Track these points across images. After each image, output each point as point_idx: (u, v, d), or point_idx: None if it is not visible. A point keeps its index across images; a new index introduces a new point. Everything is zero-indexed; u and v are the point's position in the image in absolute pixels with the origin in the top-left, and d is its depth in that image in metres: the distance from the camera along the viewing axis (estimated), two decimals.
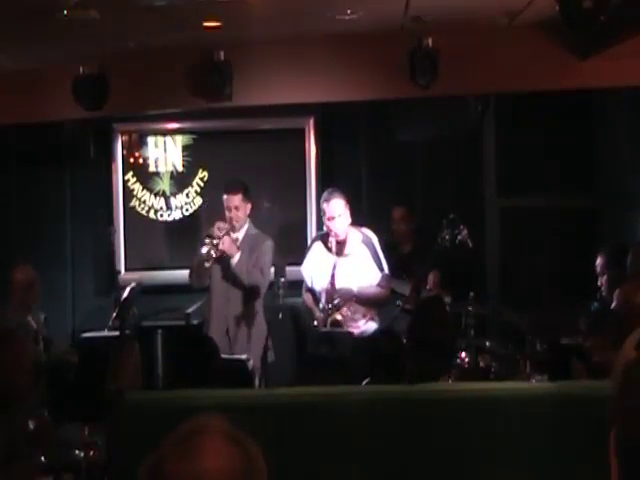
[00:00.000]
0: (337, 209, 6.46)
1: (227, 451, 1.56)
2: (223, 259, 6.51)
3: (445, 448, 3.89)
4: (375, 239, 6.60)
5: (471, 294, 6.30)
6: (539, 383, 5.17)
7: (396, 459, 3.87)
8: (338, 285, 6.38)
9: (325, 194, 6.62)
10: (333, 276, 6.37)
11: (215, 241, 6.40)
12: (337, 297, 6.33)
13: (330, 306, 6.33)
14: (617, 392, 1.58)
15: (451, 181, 8.23)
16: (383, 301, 6.58)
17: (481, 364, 5.81)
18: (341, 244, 6.48)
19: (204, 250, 6.42)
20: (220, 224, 6.50)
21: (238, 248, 6.50)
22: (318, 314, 6.44)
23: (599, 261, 6.15)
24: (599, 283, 6.14)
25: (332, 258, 6.43)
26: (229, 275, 6.52)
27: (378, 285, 6.52)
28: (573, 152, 8.15)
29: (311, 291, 6.61)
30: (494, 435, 3.89)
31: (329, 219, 6.48)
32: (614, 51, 6.16)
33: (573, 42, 6.32)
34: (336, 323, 6.32)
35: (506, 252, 8.24)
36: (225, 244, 6.43)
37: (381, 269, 6.53)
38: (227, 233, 6.47)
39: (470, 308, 6.24)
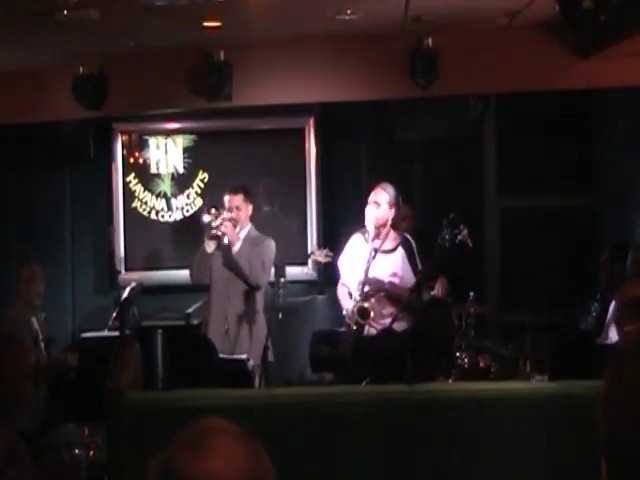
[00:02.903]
0: (377, 197, 6.32)
1: (239, 451, 1.56)
2: (224, 246, 6.52)
3: (445, 448, 3.90)
4: (414, 244, 6.52)
5: (471, 294, 6.30)
6: (539, 383, 5.17)
7: (396, 459, 3.87)
8: (371, 276, 6.31)
9: (379, 184, 6.53)
10: (368, 266, 6.29)
11: (220, 215, 6.44)
12: (368, 286, 6.27)
13: (360, 294, 6.25)
14: (605, 388, 1.57)
15: (451, 181, 8.23)
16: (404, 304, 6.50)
17: (481, 364, 5.81)
18: (381, 240, 6.41)
19: (206, 219, 6.49)
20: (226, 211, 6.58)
21: (239, 237, 6.52)
22: (347, 306, 6.35)
23: (603, 257, 6.15)
24: (600, 278, 6.15)
25: (370, 251, 6.36)
26: (230, 262, 6.51)
27: (410, 289, 6.42)
28: (573, 152, 8.15)
29: (346, 285, 6.55)
30: (494, 435, 3.89)
31: (368, 203, 6.36)
32: (614, 51, 6.16)
33: (573, 42, 6.32)
34: (363, 310, 6.22)
35: (506, 252, 8.25)
36: (227, 228, 6.45)
37: (416, 274, 6.45)
38: (230, 220, 6.49)
39: (470, 308, 6.24)
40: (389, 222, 6.38)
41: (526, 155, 8.13)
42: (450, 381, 4.84)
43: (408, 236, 6.53)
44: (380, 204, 6.32)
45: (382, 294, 6.31)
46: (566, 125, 8.13)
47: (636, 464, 1.47)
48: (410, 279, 6.38)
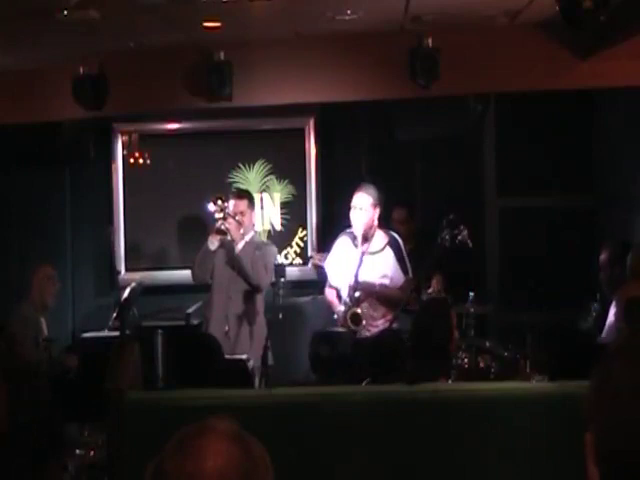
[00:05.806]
0: (360, 202, 6.35)
1: (228, 451, 1.57)
2: (228, 243, 6.52)
3: (445, 448, 3.89)
4: (401, 243, 6.52)
5: (471, 294, 6.30)
6: (539, 383, 5.17)
7: (396, 459, 3.87)
8: (361, 279, 6.31)
9: (360, 186, 6.53)
10: (357, 271, 6.29)
11: (224, 209, 6.43)
12: (359, 291, 6.27)
13: (350, 299, 6.26)
14: (594, 388, 1.55)
15: (451, 181, 8.22)
16: (403, 304, 6.50)
17: (481, 364, 5.81)
18: (367, 242, 6.41)
19: (211, 208, 6.47)
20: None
21: (242, 237, 6.52)
22: (338, 309, 6.37)
23: (602, 257, 6.15)
24: (600, 278, 6.14)
25: (358, 254, 6.35)
26: (233, 260, 6.50)
27: (400, 288, 6.44)
28: (573, 152, 8.15)
29: (334, 287, 6.55)
30: (494, 435, 3.89)
31: (352, 208, 6.40)
32: (614, 51, 6.16)
33: (573, 42, 6.32)
34: (355, 317, 6.23)
35: (506, 252, 8.24)
36: (231, 225, 6.44)
37: (405, 272, 6.46)
38: (234, 217, 6.48)
39: (470, 308, 6.24)
40: (375, 222, 6.41)
41: (526, 155, 8.13)
42: (450, 381, 4.83)
43: (396, 235, 6.55)
44: (364, 208, 6.35)
45: (374, 297, 6.33)
46: (566, 125, 8.12)
47: (629, 470, 1.44)
48: (400, 278, 6.41)
